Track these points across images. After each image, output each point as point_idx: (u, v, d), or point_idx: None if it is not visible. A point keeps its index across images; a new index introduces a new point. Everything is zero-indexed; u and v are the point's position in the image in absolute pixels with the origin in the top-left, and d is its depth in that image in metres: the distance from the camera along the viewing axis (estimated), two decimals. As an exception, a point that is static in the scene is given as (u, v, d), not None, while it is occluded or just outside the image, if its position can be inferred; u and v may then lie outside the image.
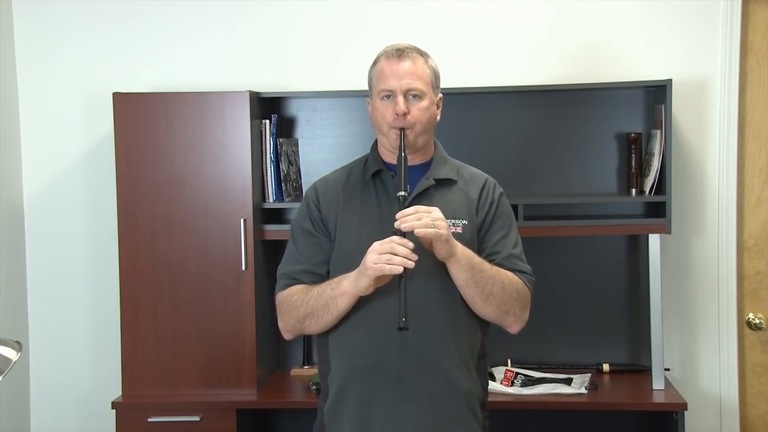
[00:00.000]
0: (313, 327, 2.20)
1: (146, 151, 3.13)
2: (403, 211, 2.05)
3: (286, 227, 3.19)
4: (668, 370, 3.23)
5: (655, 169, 3.11)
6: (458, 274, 2.11)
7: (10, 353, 1.88)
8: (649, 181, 3.14)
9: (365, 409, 2.14)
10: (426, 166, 2.26)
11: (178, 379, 3.15)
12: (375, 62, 2.25)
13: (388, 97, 2.18)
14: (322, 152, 3.42)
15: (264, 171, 3.22)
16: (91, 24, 3.49)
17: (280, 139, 3.27)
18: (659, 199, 3.11)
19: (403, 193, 2.10)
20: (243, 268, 3.11)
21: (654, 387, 3.12)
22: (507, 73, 3.34)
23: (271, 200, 3.24)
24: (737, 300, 3.31)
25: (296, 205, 3.21)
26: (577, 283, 3.36)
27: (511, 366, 3.31)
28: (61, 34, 3.50)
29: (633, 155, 3.20)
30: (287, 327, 2.25)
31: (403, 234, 2.03)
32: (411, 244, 2.02)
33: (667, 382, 3.17)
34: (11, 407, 3.47)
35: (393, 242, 2.02)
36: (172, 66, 3.48)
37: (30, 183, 3.55)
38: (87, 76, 3.49)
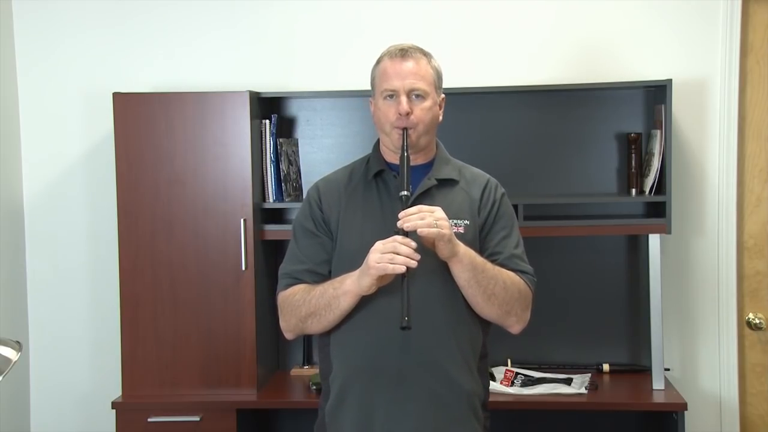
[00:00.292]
0: (315, 326, 2.20)
1: (146, 151, 3.13)
2: (406, 210, 2.06)
3: (286, 227, 3.19)
4: (668, 370, 3.23)
5: (655, 169, 3.11)
6: (460, 274, 2.11)
7: (10, 353, 1.88)
8: (649, 181, 3.14)
9: (366, 408, 2.14)
10: (428, 166, 2.27)
11: (178, 379, 3.15)
12: (378, 62, 2.25)
13: (391, 96, 2.18)
14: (322, 152, 3.42)
15: (264, 171, 3.22)
16: (91, 24, 3.49)
17: (280, 139, 3.27)
18: (659, 199, 3.11)
19: (405, 192, 2.11)
20: (243, 268, 3.11)
21: (654, 387, 3.12)
22: (507, 73, 3.34)
23: (271, 200, 3.24)
24: (737, 300, 3.31)
25: (296, 205, 3.23)
26: (577, 283, 3.37)
27: (511, 366, 3.31)
28: (61, 34, 3.50)
29: (633, 155, 3.20)
30: (289, 327, 2.25)
31: (406, 233, 2.04)
32: (414, 244, 2.02)
33: (667, 382, 3.17)
34: (11, 407, 3.47)
35: (396, 242, 2.02)
36: (172, 66, 3.48)
37: (30, 183, 3.54)
38: (87, 76, 3.49)
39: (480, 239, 2.23)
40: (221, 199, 3.12)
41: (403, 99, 2.16)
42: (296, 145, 3.39)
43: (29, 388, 3.57)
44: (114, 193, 3.16)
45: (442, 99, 2.28)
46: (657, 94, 3.19)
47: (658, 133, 3.13)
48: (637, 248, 3.33)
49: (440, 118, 2.27)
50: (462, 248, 2.10)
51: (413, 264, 2.01)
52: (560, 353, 3.37)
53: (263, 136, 3.21)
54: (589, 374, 3.24)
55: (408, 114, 2.16)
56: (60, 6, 3.49)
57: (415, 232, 2.03)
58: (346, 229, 2.23)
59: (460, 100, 3.18)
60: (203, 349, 3.14)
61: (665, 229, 3.10)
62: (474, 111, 3.32)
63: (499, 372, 3.23)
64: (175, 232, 3.13)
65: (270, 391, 3.22)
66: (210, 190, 3.12)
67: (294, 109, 3.44)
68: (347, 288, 2.10)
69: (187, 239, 3.13)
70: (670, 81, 3.07)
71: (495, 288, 2.13)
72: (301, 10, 3.43)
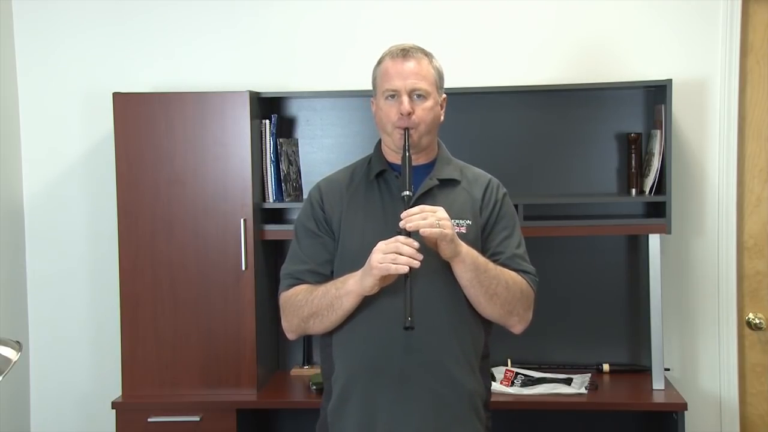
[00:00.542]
0: (318, 327, 2.20)
1: (146, 151, 3.12)
2: (408, 210, 2.06)
3: (286, 227, 3.20)
4: (668, 370, 3.23)
5: (655, 169, 3.11)
6: (463, 274, 2.11)
7: (10, 353, 1.88)
8: (649, 181, 3.14)
9: (369, 408, 2.14)
10: (429, 167, 2.27)
11: (178, 379, 3.15)
12: (379, 62, 2.25)
13: (393, 96, 2.19)
14: (322, 152, 3.42)
15: (264, 171, 3.22)
16: (91, 24, 3.49)
17: (280, 139, 3.27)
18: (659, 199, 3.11)
19: (408, 192, 2.11)
20: (243, 268, 3.11)
21: (654, 387, 3.12)
22: (507, 73, 3.34)
23: (271, 200, 3.23)
24: (737, 300, 3.32)
25: (296, 205, 3.23)
26: (577, 283, 3.37)
27: (511, 366, 3.31)
28: (61, 34, 3.50)
29: (633, 155, 3.20)
30: (291, 327, 2.25)
31: (408, 233, 2.04)
32: (416, 244, 2.02)
33: (667, 382, 3.17)
34: (11, 407, 3.46)
35: (398, 242, 2.02)
36: (172, 66, 3.48)
37: (30, 183, 3.54)
38: (87, 76, 3.49)
39: (482, 239, 2.23)
40: (221, 199, 3.12)
41: (405, 99, 2.16)
42: (296, 145, 3.39)
43: (29, 388, 3.57)
44: (114, 193, 3.16)
45: (444, 99, 2.28)
46: (657, 94, 3.19)
47: (658, 133, 3.13)
48: (637, 248, 3.33)
49: (442, 118, 2.28)
50: (464, 248, 2.10)
51: (416, 264, 2.01)
52: (560, 353, 3.37)
53: (263, 136, 3.21)
54: (589, 374, 3.24)
55: (410, 114, 2.16)
56: (60, 6, 3.49)
57: (417, 232, 2.03)
58: (347, 230, 2.23)
59: (460, 100, 3.18)
60: (203, 349, 3.14)
61: (665, 229, 3.10)
62: (474, 111, 3.32)
63: (499, 372, 3.23)
64: (175, 232, 3.13)
65: (270, 391, 3.22)
66: (210, 190, 3.12)
67: (294, 109, 3.44)
68: (350, 288, 2.10)
69: (187, 239, 3.13)
70: (670, 81, 3.07)
71: (497, 288, 2.14)
72: (302, 10, 3.43)
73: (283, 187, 3.25)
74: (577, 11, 3.34)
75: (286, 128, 3.41)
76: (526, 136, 3.36)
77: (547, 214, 3.24)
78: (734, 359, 3.31)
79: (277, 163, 3.24)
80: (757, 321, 3.33)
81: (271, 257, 3.30)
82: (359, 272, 2.09)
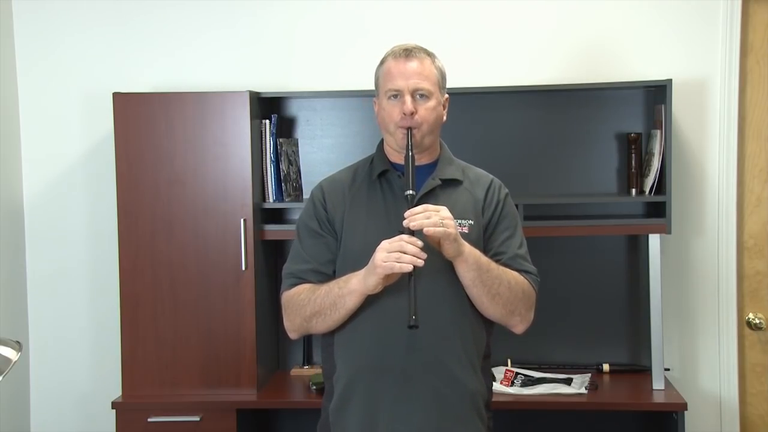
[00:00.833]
0: (320, 326, 2.20)
1: (146, 151, 3.12)
2: (412, 209, 2.06)
3: (286, 227, 3.20)
4: (668, 370, 3.23)
5: (655, 169, 3.11)
6: (465, 274, 2.11)
7: (10, 353, 1.88)
8: (649, 181, 3.14)
9: (371, 408, 2.14)
10: (432, 167, 2.27)
11: (178, 379, 3.15)
12: (382, 62, 2.25)
13: (396, 96, 2.19)
14: (322, 152, 3.42)
15: (264, 171, 3.22)
16: (91, 24, 3.49)
17: (280, 139, 3.27)
18: (659, 199, 3.11)
19: (411, 192, 2.11)
20: (243, 268, 3.11)
21: (654, 387, 3.13)
22: (507, 73, 3.34)
23: (271, 200, 3.23)
24: (737, 300, 3.32)
25: (296, 205, 3.23)
26: (577, 283, 3.37)
27: (511, 366, 3.31)
28: (61, 34, 3.50)
29: (633, 155, 3.20)
30: (293, 326, 2.25)
31: (412, 232, 2.04)
32: (420, 243, 2.03)
33: (667, 382, 3.17)
34: (11, 407, 3.46)
35: (402, 241, 2.02)
36: (172, 66, 3.48)
37: (30, 183, 3.54)
38: (87, 76, 3.49)
39: (484, 239, 2.23)
40: (221, 199, 3.12)
41: (408, 99, 2.16)
42: (296, 145, 3.39)
43: (29, 388, 3.57)
44: (114, 193, 3.16)
45: (446, 99, 2.29)
46: (657, 94, 3.19)
47: (658, 133, 3.13)
48: (637, 248, 3.33)
49: (444, 118, 2.28)
50: (467, 248, 2.10)
51: (420, 263, 2.01)
52: (560, 353, 3.37)
53: (263, 136, 3.21)
54: (589, 374, 3.24)
55: (412, 114, 2.16)
56: (60, 6, 3.48)
57: (420, 231, 2.03)
58: (350, 229, 2.23)
59: (461, 100, 3.18)
60: (203, 349, 3.14)
61: (665, 229, 3.10)
62: (475, 111, 3.32)
63: (499, 372, 3.23)
64: (175, 232, 3.13)
65: (270, 391, 3.22)
66: (210, 190, 3.12)
67: (294, 109, 3.44)
68: (353, 287, 2.10)
69: (187, 239, 3.13)
70: (670, 81, 3.07)
71: (499, 288, 2.14)
72: (301, 10, 3.43)
73: (283, 187, 3.25)
74: (577, 12, 3.34)
75: (286, 128, 3.41)
76: (526, 136, 3.36)
77: (547, 214, 3.24)
78: (734, 359, 3.32)
79: (277, 163, 3.24)
80: (757, 321, 3.33)
81: (271, 257, 3.30)
82: (362, 271, 2.09)
